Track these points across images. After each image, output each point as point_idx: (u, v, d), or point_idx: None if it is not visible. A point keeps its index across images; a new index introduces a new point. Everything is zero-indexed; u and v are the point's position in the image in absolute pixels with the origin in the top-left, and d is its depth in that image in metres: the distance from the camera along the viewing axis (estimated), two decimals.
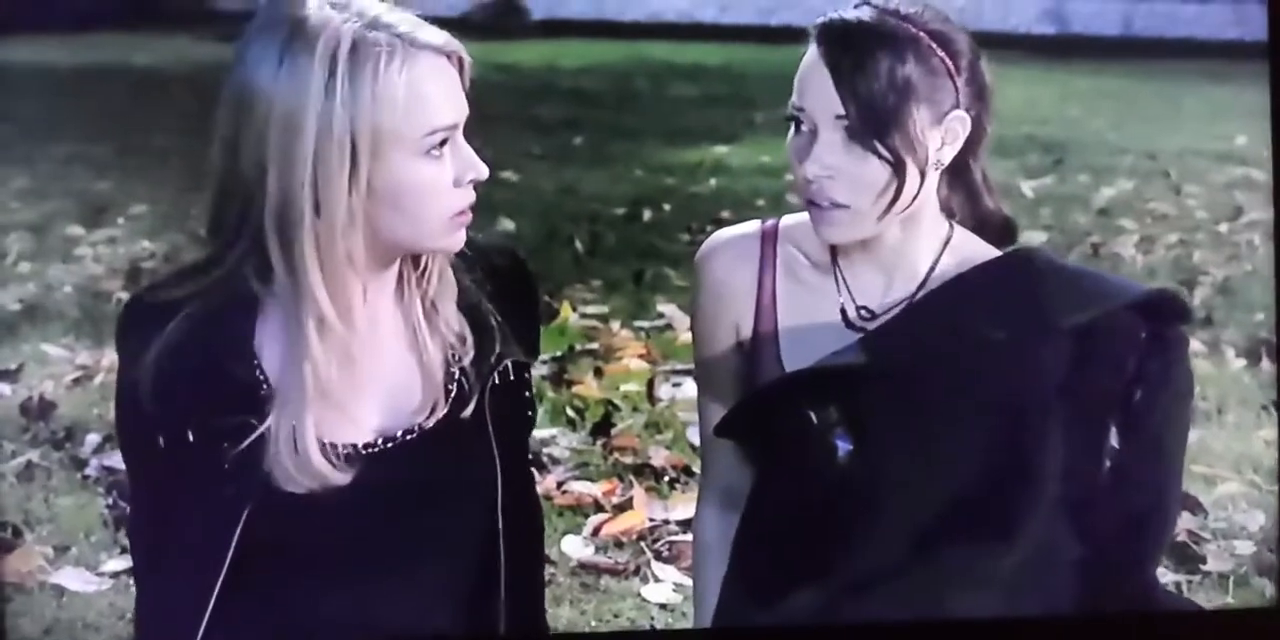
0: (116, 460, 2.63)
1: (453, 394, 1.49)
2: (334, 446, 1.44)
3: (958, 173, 1.58)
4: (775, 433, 1.57)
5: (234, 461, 1.41)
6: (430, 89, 1.40)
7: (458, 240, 1.46)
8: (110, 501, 2.64)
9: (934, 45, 1.50)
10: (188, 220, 3.98)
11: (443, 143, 1.41)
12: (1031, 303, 1.52)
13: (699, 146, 5.58)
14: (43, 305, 3.63)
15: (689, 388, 3.06)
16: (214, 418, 1.41)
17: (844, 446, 1.53)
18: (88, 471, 2.77)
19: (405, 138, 1.39)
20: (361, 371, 1.45)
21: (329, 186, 1.38)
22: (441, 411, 1.48)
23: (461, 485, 1.49)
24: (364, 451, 1.46)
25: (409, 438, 1.47)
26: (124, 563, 2.41)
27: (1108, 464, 1.52)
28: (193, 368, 1.43)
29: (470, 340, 1.50)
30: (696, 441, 2.98)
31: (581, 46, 7.34)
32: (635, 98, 6.56)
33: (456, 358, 1.50)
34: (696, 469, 2.89)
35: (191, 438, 1.42)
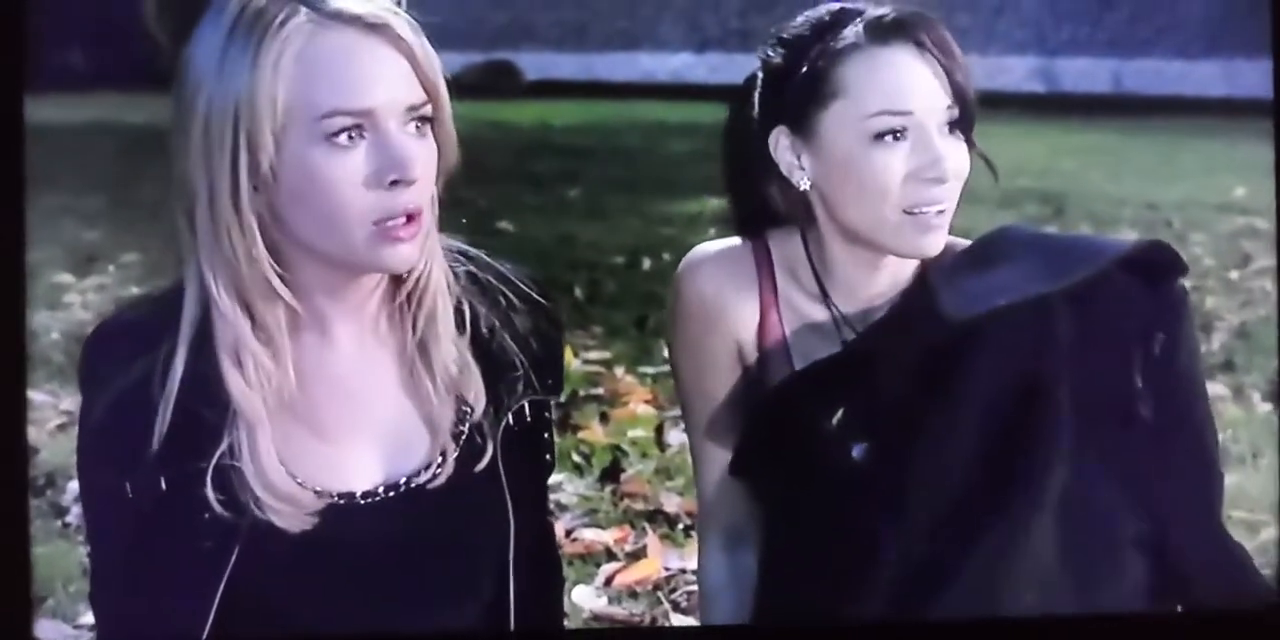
0: None
1: (463, 438, 1.36)
2: (328, 495, 1.33)
3: None
4: (787, 448, 1.48)
5: (212, 509, 1.29)
6: (335, 65, 1.24)
7: (394, 257, 1.27)
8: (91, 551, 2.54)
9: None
10: (179, 268, 3.90)
11: (353, 130, 1.25)
12: (1022, 272, 1.44)
13: (697, 199, 5.53)
14: (27, 352, 3.54)
15: None
16: (187, 459, 1.29)
17: (858, 446, 1.45)
18: (68, 519, 2.68)
19: (299, 118, 1.24)
20: (352, 412, 1.34)
21: (216, 172, 1.24)
22: (451, 458, 1.35)
23: (470, 539, 1.38)
24: (362, 501, 1.34)
25: (412, 486, 1.35)
26: None
27: (1143, 411, 1.44)
28: (156, 404, 1.29)
29: (478, 379, 1.37)
30: None
31: (574, 106, 7.32)
32: (629, 153, 6.54)
33: (466, 400, 1.37)
34: None
35: (164, 485, 1.30)
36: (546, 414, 1.45)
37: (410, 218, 1.27)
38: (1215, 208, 5.16)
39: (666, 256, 4.68)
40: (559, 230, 5.00)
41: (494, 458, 1.37)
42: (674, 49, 8.96)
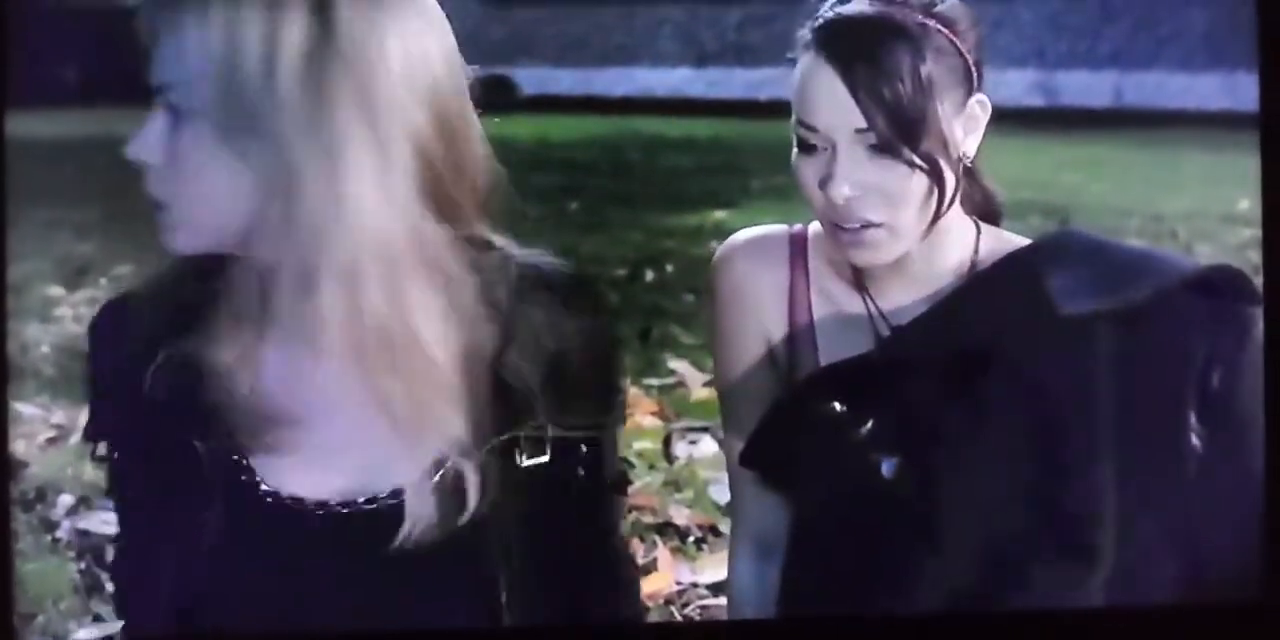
0: (89, 522, 2.54)
1: (442, 470, 1.23)
2: (278, 497, 1.24)
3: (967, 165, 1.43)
4: (808, 451, 1.40)
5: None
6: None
7: (164, 240, 1.23)
8: (82, 566, 2.48)
9: (942, 30, 1.34)
10: None
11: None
12: (1076, 286, 1.35)
13: (697, 211, 5.49)
14: (18, 364, 3.48)
15: (706, 445, 2.95)
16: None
17: (888, 461, 1.37)
18: (59, 534, 2.62)
19: None
20: (322, 411, 1.24)
21: None
22: (424, 489, 1.23)
23: (436, 583, 1.25)
24: (316, 510, 1.25)
25: (373, 508, 1.24)
26: (96, 631, 2.26)
27: (1194, 447, 1.36)
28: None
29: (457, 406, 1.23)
30: (719, 499, 2.84)
31: (572, 121, 7.30)
32: (629, 167, 6.50)
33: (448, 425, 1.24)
34: (724, 528, 2.73)
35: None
36: (584, 449, 1.30)
37: (156, 206, 1.22)
38: (1220, 219, 5.12)
39: (669, 268, 4.67)
40: (559, 244, 4.95)
41: (477, 504, 1.23)
42: (672, 64, 8.93)
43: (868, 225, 1.34)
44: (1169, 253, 1.44)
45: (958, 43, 1.35)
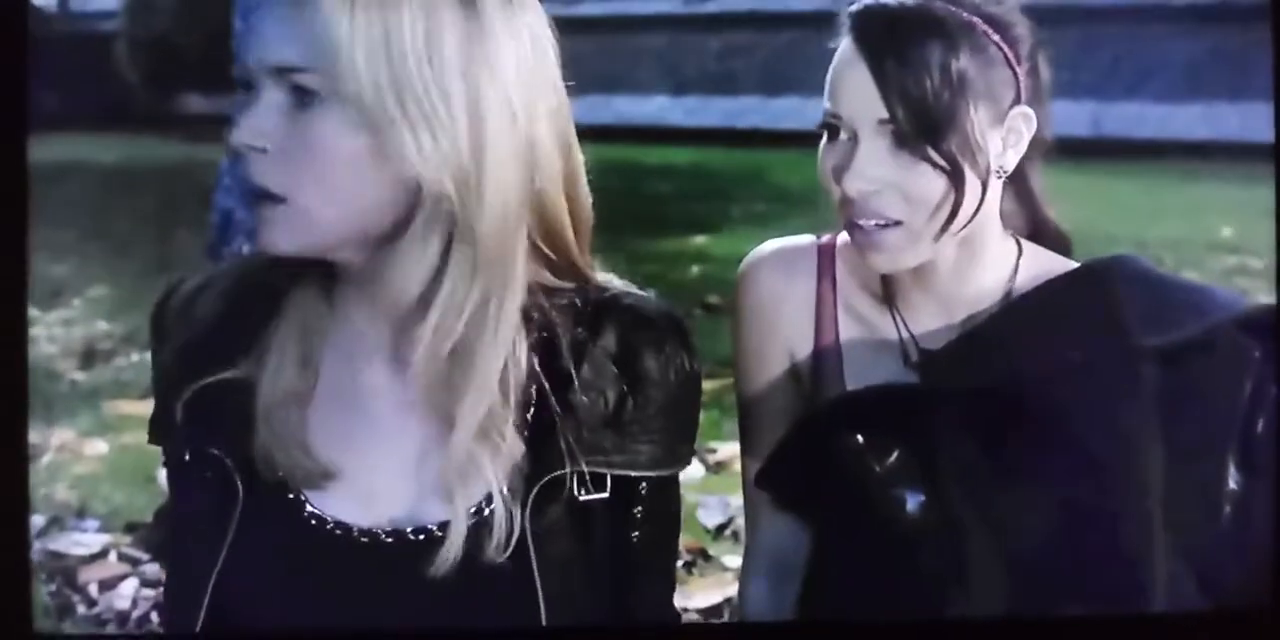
0: (61, 543, 2.51)
1: (485, 508, 1.17)
2: (325, 521, 1.19)
3: (1015, 180, 1.37)
4: (827, 480, 1.35)
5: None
6: (256, 20, 1.15)
7: (259, 236, 1.14)
8: (53, 589, 2.43)
9: (990, 32, 1.30)
10: (147, 302, 3.81)
11: (248, 86, 1.14)
12: (1121, 319, 1.31)
13: (679, 237, 5.46)
14: None
15: (693, 468, 2.87)
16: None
17: (913, 497, 1.31)
18: (30, 556, 2.53)
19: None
20: (368, 434, 1.19)
21: None
22: (460, 527, 1.16)
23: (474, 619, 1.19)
24: (361, 538, 1.19)
25: (419, 539, 1.18)
26: None
27: (1228, 508, 1.31)
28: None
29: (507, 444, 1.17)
30: (708, 523, 2.77)
31: None
32: (608, 193, 6.43)
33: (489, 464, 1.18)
34: (713, 552, 2.67)
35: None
36: (642, 488, 1.22)
37: (261, 194, 1.14)
38: (1205, 247, 5.12)
39: (651, 293, 4.60)
40: None
41: (523, 538, 1.17)
42: (651, 92, 8.90)
43: (884, 224, 1.30)
44: (1218, 289, 1.38)
45: (1005, 48, 1.31)
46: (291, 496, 1.19)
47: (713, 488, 2.89)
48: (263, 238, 1.13)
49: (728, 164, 6.71)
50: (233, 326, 1.20)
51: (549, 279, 1.21)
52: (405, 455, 1.20)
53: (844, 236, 1.41)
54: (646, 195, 6.35)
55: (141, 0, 8.69)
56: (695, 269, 5.00)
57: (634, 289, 1.27)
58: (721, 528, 2.80)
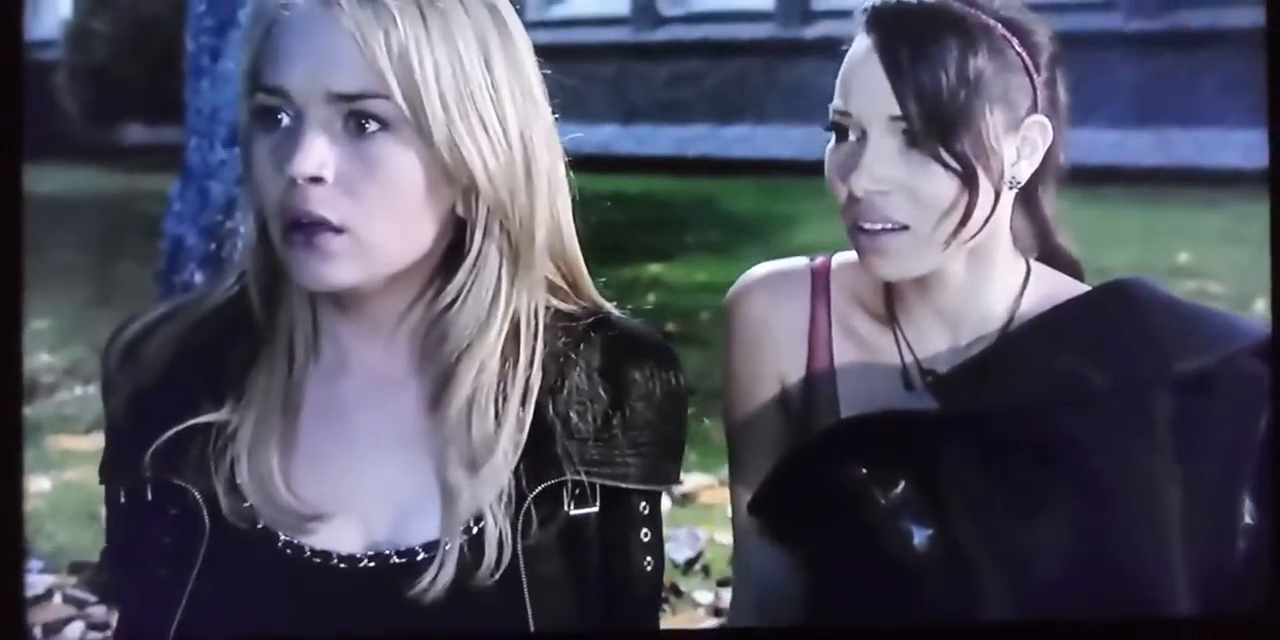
0: None
1: (479, 525, 1.16)
2: (302, 550, 1.15)
3: (1026, 199, 1.33)
4: (826, 512, 1.30)
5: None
6: (282, 39, 1.11)
7: (302, 268, 1.12)
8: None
9: (1009, 36, 1.27)
10: (91, 334, 3.71)
11: (280, 113, 1.12)
12: (1135, 345, 1.27)
13: (633, 266, 5.41)
14: None
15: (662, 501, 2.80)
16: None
17: (921, 531, 1.25)
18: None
19: (249, 90, 1.13)
20: (351, 456, 1.17)
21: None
22: (455, 545, 1.15)
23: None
24: (340, 564, 1.16)
25: (401, 563, 1.16)
26: None
27: (1242, 544, 1.26)
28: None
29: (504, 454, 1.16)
30: (677, 557, 2.70)
31: None
32: None
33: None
34: (684, 587, 2.59)
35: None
36: (643, 507, 1.24)
37: (318, 226, 1.11)
38: (1165, 272, 5.13)
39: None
40: None
41: (512, 551, 1.16)
42: (600, 121, 8.88)
43: (890, 228, 1.25)
44: (1239, 316, 1.34)
45: (1024, 55, 1.27)
46: (261, 525, 1.15)
47: (680, 520, 2.83)
48: (310, 271, 1.11)
49: (678, 192, 6.69)
50: (203, 366, 1.17)
51: (554, 301, 1.22)
52: (391, 480, 1.17)
53: (838, 258, 1.37)
54: (596, 223, 6.32)
55: (81, 29, 8.61)
56: (651, 297, 4.95)
57: (618, 310, 1.29)
58: (691, 562, 2.73)
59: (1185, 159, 6.10)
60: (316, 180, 1.10)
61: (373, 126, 1.10)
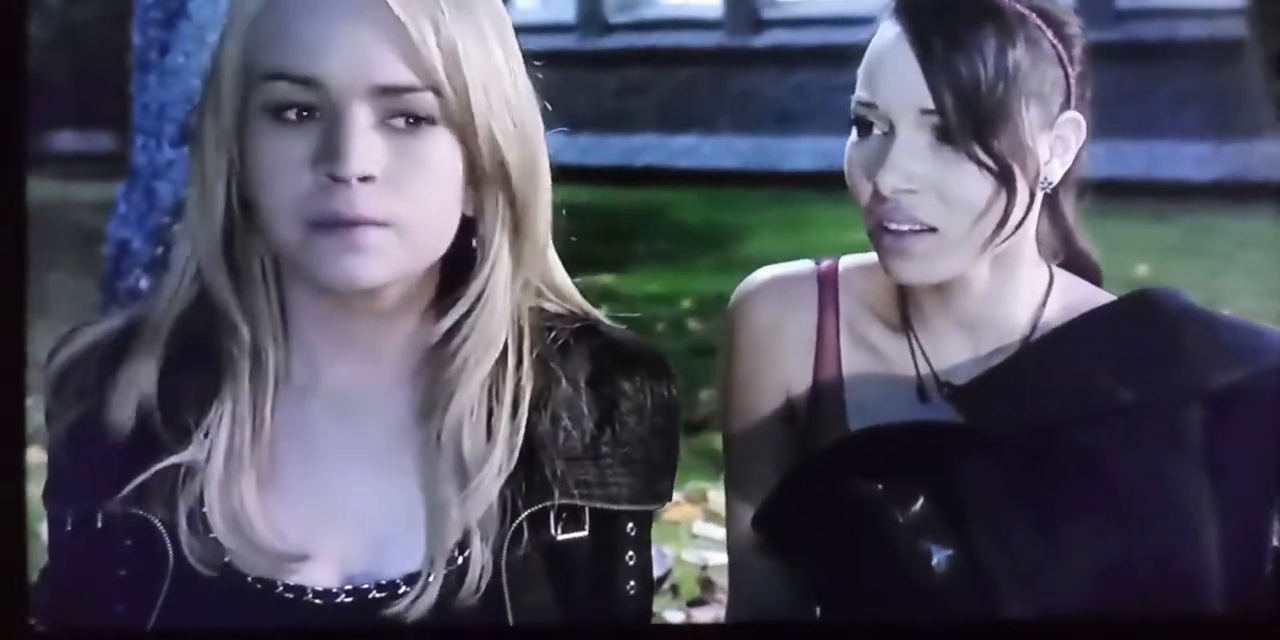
0: None
1: (465, 550, 1.09)
2: (274, 585, 1.07)
3: (1049, 201, 1.25)
4: (838, 529, 1.21)
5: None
6: (308, 28, 1.03)
7: (335, 269, 1.04)
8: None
9: (1043, 27, 1.18)
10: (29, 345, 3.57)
11: (303, 108, 1.04)
12: (1164, 358, 1.19)
13: (584, 276, 5.34)
14: None
15: None
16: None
17: (940, 551, 1.17)
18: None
19: (253, 78, 1.04)
20: (324, 486, 1.10)
21: (201, 153, 1.08)
22: (440, 570, 1.08)
23: None
24: (315, 600, 1.08)
25: (380, 597, 1.08)
26: None
27: (1271, 567, 1.19)
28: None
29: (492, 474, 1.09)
30: (657, 571, 2.61)
31: None
32: None
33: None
34: (655, 608, 2.50)
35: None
36: (630, 528, 1.16)
37: (359, 224, 1.03)
38: (1125, 284, 5.09)
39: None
40: None
41: (495, 579, 1.09)
42: (545, 130, 8.81)
43: (916, 229, 1.17)
44: (1257, 325, 1.27)
45: (1059, 47, 1.19)
46: (228, 559, 1.07)
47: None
48: (342, 268, 1.03)
49: (625, 202, 6.63)
50: (162, 395, 1.09)
51: (539, 301, 1.17)
52: (369, 505, 1.10)
53: (845, 261, 1.30)
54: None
55: None
56: (604, 308, 4.89)
57: (607, 321, 1.23)
58: (660, 580, 2.63)
59: (1137, 171, 6.09)
60: (366, 179, 1.02)
61: (418, 120, 1.04)
